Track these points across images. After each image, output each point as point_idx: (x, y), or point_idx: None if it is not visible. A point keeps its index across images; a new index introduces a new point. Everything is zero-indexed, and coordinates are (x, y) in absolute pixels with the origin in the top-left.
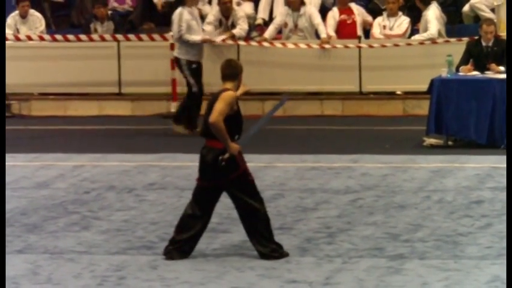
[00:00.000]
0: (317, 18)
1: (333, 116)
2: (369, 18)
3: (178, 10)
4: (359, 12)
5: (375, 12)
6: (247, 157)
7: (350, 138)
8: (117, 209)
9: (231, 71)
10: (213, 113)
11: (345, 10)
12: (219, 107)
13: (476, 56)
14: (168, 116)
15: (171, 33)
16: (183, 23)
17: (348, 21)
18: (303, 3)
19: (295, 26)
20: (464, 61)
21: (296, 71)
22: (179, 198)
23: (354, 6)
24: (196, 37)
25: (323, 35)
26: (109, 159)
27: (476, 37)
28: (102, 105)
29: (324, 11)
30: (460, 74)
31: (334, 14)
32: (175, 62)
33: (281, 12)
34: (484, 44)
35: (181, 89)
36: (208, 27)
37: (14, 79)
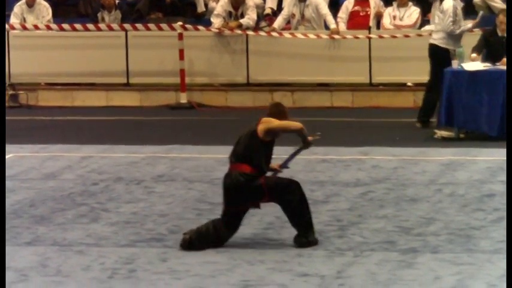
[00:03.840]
0: (324, 9)
1: (342, 107)
2: (383, 9)
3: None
4: (375, 5)
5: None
6: None
7: (360, 130)
8: (126, 201)
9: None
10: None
11: (362, 2)
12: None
13: (492, 45)
14: (177, 107)
15: (179, 23)
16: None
17: (361, 13)
18: None
19: (302, 16)
20: (478, 48)
21: (305, 62)
22: (188, 190)
23: None
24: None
25: (332, 26)
26: (117, 150)
27: (489, 28)
28: (110, 95)
29: (335, 2)
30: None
31: (348, 4)
32: (430, 50)
33: (289, 2)
34: (499, 34)
35: (190, 79)
36: (216, 20)
37: (20, 69)
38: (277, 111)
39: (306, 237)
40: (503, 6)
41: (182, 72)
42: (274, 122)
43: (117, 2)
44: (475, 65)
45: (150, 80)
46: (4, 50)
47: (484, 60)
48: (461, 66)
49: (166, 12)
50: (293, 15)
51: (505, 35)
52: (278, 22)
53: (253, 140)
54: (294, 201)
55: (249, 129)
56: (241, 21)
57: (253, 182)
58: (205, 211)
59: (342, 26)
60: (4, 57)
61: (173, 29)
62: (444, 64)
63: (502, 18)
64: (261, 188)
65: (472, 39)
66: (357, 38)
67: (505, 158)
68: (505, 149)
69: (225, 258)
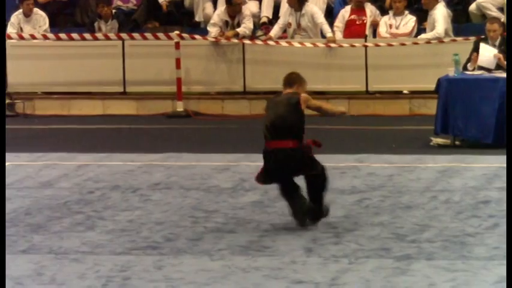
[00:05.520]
0: (320, 18)
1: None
2: (379, 18)
3: None
4: (371, 14)
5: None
6: (252, 157)
7: (356, 138)
8: (122, 209)
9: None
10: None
11: (358, 11)
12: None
13: None
14: (173, 116)
15: (176, 32)
16: None
17: (358, 22)
18: (303, 3)
19: (298, 25)
20: (471, 59)
21: (302, 70)
22: (184, 198)
23: (368, 7)
24: None
25: (328, 34)
26: (113, 158)
27: (482, 36)
28: (107, 104)
29: (330, 11)
30: (468, 72)
31: (344, 13)
32: None
33: (284, 12)
34: (490, 42)
35: (187, 88)
36: (213, 29)
37: (17, 78)
38: (301, 79)
39: (318, 203)
40: (499, 14)
41: (179, 81)
42: (322, 103)
43: (113, 11)
44: (489, 50)
45: (146, 88)
46: (4, 60)
47: (477, 68)
48: (457, 74)
49: (163, 21)
50: (289, 24)
51: (496, 43)
52: (274, 31)
53: (298, 112)
54: (321, 177)
55: (285, 102)
56: (238, 30)
57: (305, 154)
58: (201, 219)
59: (339, 35)
60: (5, 67)
61: (170, 38)
62: None
63: (489, 26)
64: (311, 159)
65: (467, 46)
66: (353, 46)
67: (501, 165)
68: (501, 156)
69: (220, 266)
